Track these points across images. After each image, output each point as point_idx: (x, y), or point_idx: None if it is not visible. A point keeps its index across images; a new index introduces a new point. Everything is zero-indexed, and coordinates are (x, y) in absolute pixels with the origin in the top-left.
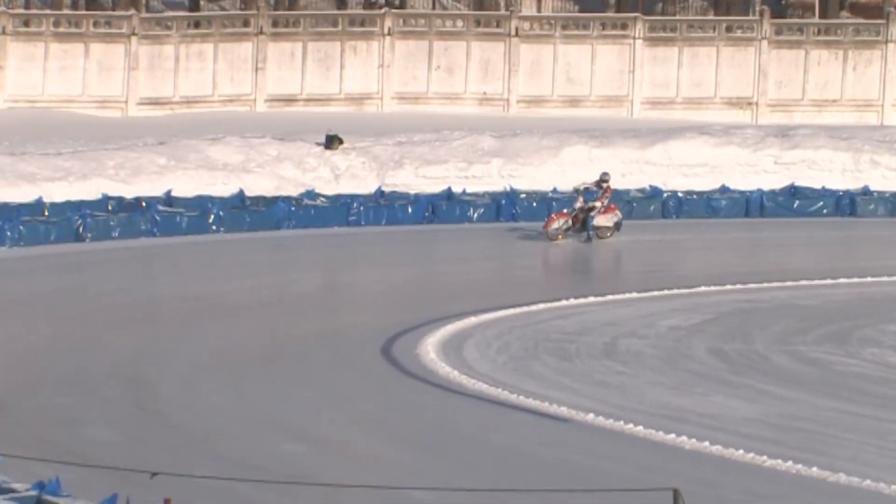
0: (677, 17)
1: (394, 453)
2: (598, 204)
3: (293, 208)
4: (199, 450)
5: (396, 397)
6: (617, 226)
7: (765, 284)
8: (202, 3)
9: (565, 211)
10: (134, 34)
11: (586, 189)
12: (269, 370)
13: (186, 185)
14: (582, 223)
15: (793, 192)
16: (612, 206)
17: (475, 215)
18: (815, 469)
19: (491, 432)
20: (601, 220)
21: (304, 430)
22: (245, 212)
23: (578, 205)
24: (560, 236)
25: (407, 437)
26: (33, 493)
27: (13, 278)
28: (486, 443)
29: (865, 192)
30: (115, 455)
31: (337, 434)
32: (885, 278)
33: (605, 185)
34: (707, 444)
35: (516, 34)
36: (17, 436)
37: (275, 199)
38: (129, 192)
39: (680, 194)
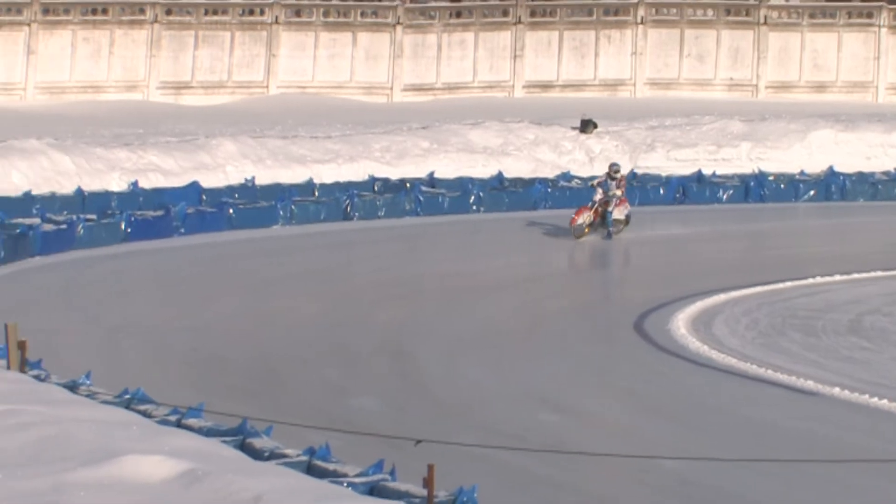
0: None
1: (646, 424)
2: (618, 192)
3: (549, 189)
4: (460, 419)
5: (648, 370)
6: (627, 219)
7: None
8: None
9: (588, 205)
10: (399, 23)
11: (600, 182)
12: (526, 343)
13: (448, 168)
14: (602, 217)
15: None
16: (624, 198)
17: (724, 196)
18: None
19: (740, 405)
20: (616, 214)
21: (560, 400)
22: (503, 193)
23: (598, 197)
24: (586, 230)
25: (658, 408)
26: (304, 458)
27: (285, 255)
28: (735, 415)
29: None
30: (381, 423)
31: (591, 405)
32: None
33: (618, 175)
34: None
35: (765, 22)
36: (289, 404)
37: (532, 181)
38: (394, 174)
39: None
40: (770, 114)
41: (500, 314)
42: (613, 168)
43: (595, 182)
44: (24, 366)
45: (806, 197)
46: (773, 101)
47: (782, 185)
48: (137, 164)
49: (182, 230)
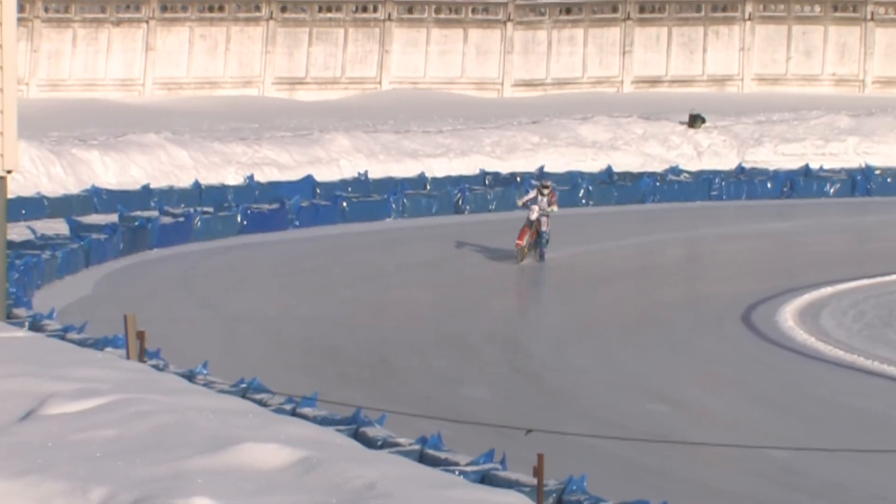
0: None
1: (753, 414)
2: (554, 208)
3: (658, 183)
4: (570, 408)
5: (756, 361)
6: (548, 236)
7: None
8: None
9: (527, 225)
10: (509, 20)
11: (531, 200)
12: (634, 334)
13: (558, 162)
14: (538, 236)
15: None
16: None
17: (831, 190)
18: None
19: (847, 396)
20: (546, 234)
21: (666, 391)
22: (612, 186)
23: (534, 216)
24: (526, 252)
25: (766, 399)
26: (416, 447)
27: (398, 247)
28: (842, 406)
29: None
30: (491, 413)
31: (698, 395)
32: None
33: (546, 190)
34: None
35: (871, 18)
36: (401, 394)
37: (640, 175)
38: (504, 168)
39: None
40: (877, 109)
41: (607, 305)
42: (544, 184)
43: (525, 200)
44: (143, 355)
45: None
46: (880, 96)
47: (889, 180)
48: (253, 158)
49: (296, 223)
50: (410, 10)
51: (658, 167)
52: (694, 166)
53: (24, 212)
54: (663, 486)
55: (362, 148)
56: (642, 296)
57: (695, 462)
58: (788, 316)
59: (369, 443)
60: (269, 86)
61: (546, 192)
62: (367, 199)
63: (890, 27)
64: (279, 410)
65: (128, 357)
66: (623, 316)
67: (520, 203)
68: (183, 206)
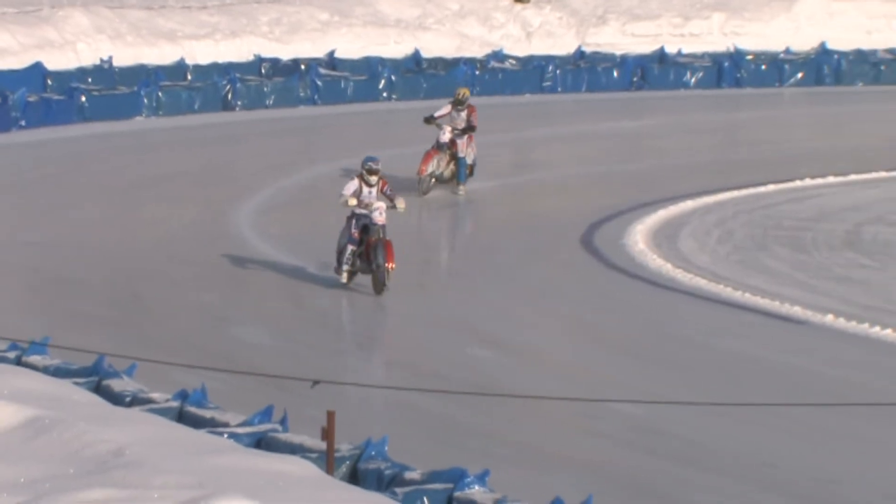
0: None
1: (597, 360)
2: (401, 205)
3: (477, 72)
4: (368, 354)
5: (600, 295)
6: None
7: None
8: None
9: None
10: None
11: (356, 193)
12: (453, 261)
13: (353, 45)
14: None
15: None
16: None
17: (692, 80)
18: None
19: (712, 336)
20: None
21: (492, 333)
22: (421, 76)
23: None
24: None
25: (613, 341)
26: (174, 403)
27: (152, 153)
28: (707, 348)
29: None
30: (269, 360)
31: (531, 338)
32: None
33: (374, 178)
34: None
35: None
36: (157, 338)
37: (456, 62)
38: (285, 53)
39: None
40: None
41: (420, 225)
42: (369, 165)
43: (349, 196)
44: None
45: (792, 80)
46: None
47: (763, 67)
48: None
49: (22, 122)
50: None
51: (478, 52)
52: (522, 50)
53: None
54: (488, 450)
55: (105, 28)
56: (463, 213)
57: (528, 420)
58: (639, 237)
59: (115, 399)
60: None
61: (374, 179)
62: (111, 92)
63: None
64: (0, 359)
65: None
66: (439, 238)
67: (345, 201)
68: None
